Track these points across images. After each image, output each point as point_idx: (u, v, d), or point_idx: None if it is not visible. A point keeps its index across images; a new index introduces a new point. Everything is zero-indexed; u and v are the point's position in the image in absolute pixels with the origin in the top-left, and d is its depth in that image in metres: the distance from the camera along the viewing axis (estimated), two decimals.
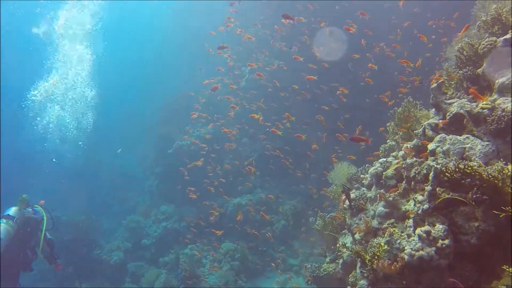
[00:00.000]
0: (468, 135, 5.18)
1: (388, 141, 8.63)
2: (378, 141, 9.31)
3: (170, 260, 15.12)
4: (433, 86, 5.85)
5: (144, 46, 38.31)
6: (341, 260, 7.61)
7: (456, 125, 5.57)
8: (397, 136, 7.80)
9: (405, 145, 6.33)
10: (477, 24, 6.27)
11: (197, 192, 16.12)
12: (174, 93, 23.90)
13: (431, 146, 5.36)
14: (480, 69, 6.09)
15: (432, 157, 5.30)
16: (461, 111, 5.51)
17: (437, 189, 5.07)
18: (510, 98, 5.30)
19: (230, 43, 17.19)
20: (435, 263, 4.76)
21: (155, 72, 35.88)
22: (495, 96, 5.62)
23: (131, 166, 25.94)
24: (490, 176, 4.40)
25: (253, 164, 15.97)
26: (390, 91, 12.13)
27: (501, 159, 4.76)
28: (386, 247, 5.34)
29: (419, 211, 5.10)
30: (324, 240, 8.75)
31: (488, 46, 5.68)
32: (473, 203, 4.75)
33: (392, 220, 6.10)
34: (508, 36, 5.65)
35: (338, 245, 7.95)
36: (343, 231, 8.17)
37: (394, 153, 7.45)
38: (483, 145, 4.98)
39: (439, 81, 5.83)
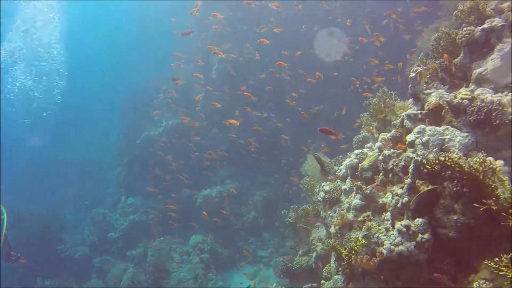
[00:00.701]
0: (447, 126, 5.00)
1: (361, 131, 8.46)
2: (348, 133, 9.18)
3: (138, 254, 14.60)
4: (411, 75, 5.65)
5: (117, 34, 37.19)
6: (314, 254, 7.39)
7: (434, 115, 5.39)
8: (371, 127, 7.62)
9: (381, 136, 6.13)
10: (454, 13, 6.10)
11: (166, 183, 15.66)
12: (145, 81, 23.08)
13: (410, 137, 5.16)
14: (457, 59, 5.94)
15: (411, 149, 5.10)
16: (440, 101, 5.33)
17: (417, 181, 4.88)
18: (488, 89, 5.16)
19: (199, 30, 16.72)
20: (414, 258, 4.57)
21: (129, 61, 34.86)
22: (472, 86, 5.47)
23: (101, 153, 25.06)
24: (471, 168, 4.22)
25: (219, 155, 15.54)
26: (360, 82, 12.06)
27: (482, 151, 4.60)
28: (363, 241, 5.12)
29: (398, 205, 4.90)
30: (296, 233, 8.53)
31: (467, 35, 5.51)
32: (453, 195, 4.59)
33: (368, 213, 5.91)
34: (486, 25, 5.50)
35: (311, 238, 7.74)
36: (316, 224, 7.96)
37: (368, 144, 7.26)
38: (462, 137, 4.81)
39: (418, 71, 5.63)
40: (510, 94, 4.95)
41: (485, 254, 4.49)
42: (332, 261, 6.35)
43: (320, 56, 14.39)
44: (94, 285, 14.19)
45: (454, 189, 4.49)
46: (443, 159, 4.55)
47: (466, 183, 4.43)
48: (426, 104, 5.44)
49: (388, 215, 5.25)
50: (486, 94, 4.93)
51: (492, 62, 5.30)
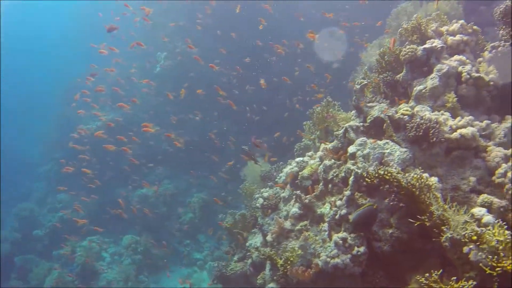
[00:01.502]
0: (387, 140, 5.00)
1: (303, 139, 8.41)
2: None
3: (65, 253, 13.62)
4: (356, 88, 5.63)
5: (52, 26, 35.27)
6: (249, 260, 7.19)
7: (376, 129, 5.39)
8: (313, 136, 7.57)
9: (323, 145, 6.07)
10: (399, 31, 6.19)
11: (100, 181, 14.80)
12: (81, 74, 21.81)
13: (351, 149, 5.11)
14: (399, 75, 6.02)
15: (352, 161, 5.05)
16: (381, 115, 5.34)
17: (356, 193, 4.83)
18: (427, 107, 5.24)
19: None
20: (349, 271, 4.49)
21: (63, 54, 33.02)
22: (412, 103, 5.56)
23: (27, 149, 23.34)
24: (408, 184, 4.21)
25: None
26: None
27: (419, 167, 4.64)
28: (300, 251, 4.99)
29: (337, 216, 4.82)
30: (233, 238, 8.28)
31: (410, 53, 5.59)
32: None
33: (306, 222, 5.80)
34: (427, 45, 5.61)
35: (247, 244, 7.53)
36: (253, 230, 7.77)
37: (309, 153, 7.20)
38: (401, 152, 4.83)
39: (362, 84, 5.62)
40: (446, 113, 5.06)
41: (417, 268, 4.51)
42: (267, 269, 6.18)
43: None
44: (14, 286, 13.06)
45: (391, 203, 4.48)
46: (382, 173, 4.53)
47: (402, 198, 4.43)
48: (369, 117, 5.43)
49: (325, 225, 5.16)
50: (425, 112, 4.99)
51: (431, 81, 5.41)
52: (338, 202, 4.84)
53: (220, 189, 14.82)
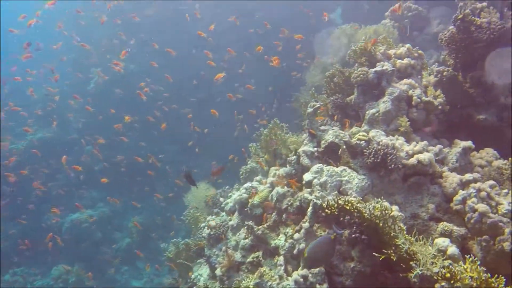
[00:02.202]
0: (344, 167, 4.71)
1: (249, 162, 7.98)
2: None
3: None
4: (309, 111, 5.31)
5: None
6: None
7: (330, 154, 5.10)
8: (261, 159, 7.17)
9: (273, 171, 5.68)
10: (348, 52, 6.01)
11: (27, 204, 13.35)
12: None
13: (307, 176, 4.74)
14: (349, 98, 5.82)
15: (308, 189, 4.69)
16: (336, 140, 5.06)
17: (314, 225, 4.46)
18: (381, 131, 5.04)
19: None
20: None
21: None
22: (365, 127, 5.35)
23: None
24: (372, 215, 3.91)
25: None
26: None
27: (380, 196, 4.36)
28: None
29: (294, 251, 4.39)
30: (176, 268, 7.58)
31: (361, 75, 5.40)
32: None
33: (258, 254, 5.33)
34: (378, 68, 5.46)
35: (192, 276, 6.90)
36: (199, 260, 7.15)
37: (258, 177, 6.78)
38: (359, 179, 4.55)
39: (315, 107, 5.33)
40: (400, 138, 4.88)
41: None
42: None
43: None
44: None
45: (353, 235, 4.15)
46: (342, 203, 4.20)
47: (365, 229, 4.12)
48: (323, 141, 5.13)
49: (281, 259, 4.73)
50: (380, 137, 4.78)
51: (383, 105, 5.23)
52: (296, 235, 4.43)
53: (159, 212, 13.98)
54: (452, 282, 3.26)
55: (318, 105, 5.32)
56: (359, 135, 4.76)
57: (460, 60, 5.65)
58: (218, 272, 5.54)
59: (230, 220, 6.47)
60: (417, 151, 4.66)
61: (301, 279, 4.08)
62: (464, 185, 4.39)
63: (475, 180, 4.35)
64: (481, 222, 3.97)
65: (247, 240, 5.51)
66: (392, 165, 4.48)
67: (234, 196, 6.29)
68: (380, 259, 3.82)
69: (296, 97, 10.59)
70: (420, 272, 3.47)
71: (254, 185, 6.32)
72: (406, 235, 3.78)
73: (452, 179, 4.46)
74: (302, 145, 5.29)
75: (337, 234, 3.98)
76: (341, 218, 4.26)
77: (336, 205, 4.21)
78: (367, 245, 4.14)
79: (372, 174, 4.62)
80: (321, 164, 4.73)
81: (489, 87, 5.45)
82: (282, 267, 4.64)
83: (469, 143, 4.87)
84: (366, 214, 3.98)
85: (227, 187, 7.83)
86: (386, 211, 3.86)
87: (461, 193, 4.28)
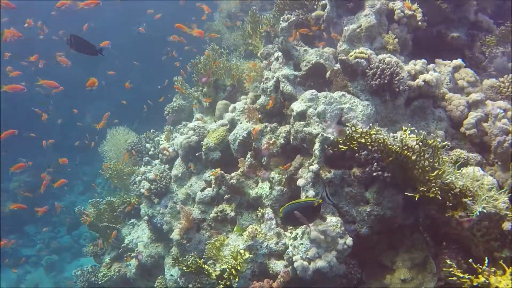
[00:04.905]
0: (343, 92, 3.65)
1: (175, 99, 6.46)
2: None
3: None
4: (282, 25, 4.02)
5: None
6: (133, 261, 5.17)
7: (314, 78, 3.98)
8: (197, 94, 5.73)
9: (239, 104, 4.37)
10: None
11: None
12: None
13: (298, 106, 3.56)
14: (314, 14, 4.68)
15: (302, 122, 3.53)
16: (321, 60, 3.94)
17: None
18: (370, 50, 4.06)
19: None
20: (334, 272, 3.11)
21: None
22: (344, 46, 4.31)
23: None
24: (404, 147, 2.98)
25: None
26: None
27: (383, 123, 3.46)
28: (248, 255, 3.33)
29: (304, 196, 3.28)
30: (99, 233, 5.94)
31: None
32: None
33: (222, 207, 4.13)
34: None
35: (126, 241, 5.41)
36: (130, 221, 5.65)
37: (198, 115, 5.41)
38: (364, 105, 3.56)
39: (290, 20, 4.05)
40: (394, 57, 3.98)
41: (395, 248, 3.45)
42: (176, 274, 4.34)
43: None
44: None
45: (374, 173, 3.20)
46: (358, 135, 3.19)
47: (388, 165, 3.20)
48: (304, 63, 3.96)
49: (268, 212, 3.60)
50: (383, 55, 3.80)
51: (366, 19, 4.22)
52: (301, 182, 3.30)
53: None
54: None
55: (293, 18, 4.06)
56: (356, 52, 3.70)
57: None
58: (174, 235, 4.19)
59: (173, 169, 5.05)
60: (418, 70, 3.82)
61: (322, 236, 3.03)
62: (472, 106, 3.73)
63: (482, 101, 3.72)
64: None
65: (210, 192, 4.23)
66: (401, 87, 3.58)
67: (179, 140, 4.83)
68: (416, 198, 2.99)
69: (208, 25, 9.08)
70: (483, 210, 2.70)
71: (200, 124, 4.95)
72: (451, 168, 2.97)
73: (458, 101, 3.76)
74: (278, 70, 4.04)
75: (324, 201, 2.94)
76: (357, 154, 3.27)
77: (355, 137, 3.18)
78: (388, 184, 3.26)
79: (375, 99, 3.67)
80: (314, 90, 3.59)
81: (459, 2, 4.81)
82: (273, 222, 3.54)
83: (459, 61, 4.20)
84: (395, 147, 3.04)
85: (152, 130, 6.23)
86: (425, 141, 2.97)
87: (473, 115, 3.62)
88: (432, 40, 4.93)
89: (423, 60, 3.93)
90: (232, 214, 4.04)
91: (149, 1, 12.44)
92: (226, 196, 3.98)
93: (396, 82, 3.56)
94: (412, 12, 4.36)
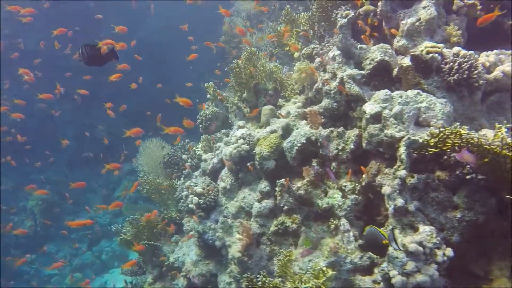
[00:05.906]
0: (418, 91, 3.39)
1: (209, 107, 6.19)
2: None
3: None
4: (342, 22, 3.76)
5: None
6: (181, 281, 4.90)
7: (379, 78, 3.72)
8: (236, 100, 5.47)
9: (292, 107, 4.10)
10: None
11: None
12: None
13: (371, 108, 3.30)
14: (363, 9, 4.41)
15: (377, 124, 3.27)
16: (386, 57, 3.68)
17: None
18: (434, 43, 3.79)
19: None
20: (433, 286, 2.84)
21: None
22: (402, 41, 4.04)
23: None
24: (504, 147, 2.72)
25: None
26: None
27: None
28: (330, 272, 3.06)
29: (391, 210, 3.02)
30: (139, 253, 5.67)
31: None
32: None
33: (282, 220, 3.87)
34: None
35: (171, 259, 5.14)
36: (174, 238, 5.38)
37: (240, 123, 5.13)
38: (442, 103, 3.29)
39: (349, 16, 3.79)
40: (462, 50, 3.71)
41: (485, 255, 3.18)
42: None
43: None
44: None
45: (467, 176, 2.94)
46: (446, 136, 2.92)
47: (481, 167, 2.94)
48: (367, 62, 3.71)
49: (344, 223, 3.34)
50: (456, 47, 3.54)
51: (425, 11, 3.95)
52: (387, 190, 3.04)
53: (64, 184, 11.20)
54: None
55: (352, 14, 3.80)
56: (427, 47, 3.44)
57: None
58: (234, 253, 3.92)
59: (220, 182, 4.79)
60: (493, 62, 3.56)
61: (420, 248, 2.77)
62: None
63: None
64: None
65: (265, 204, 3.97)
66: (480, 81, 3.32)
67: (226, 150, 4.56)
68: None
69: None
70: None
71: (245, 132, 4.69)
72: None
73: None
74: (339, 70, 3.78)
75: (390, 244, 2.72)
76: (445, 156, 3.01)
77: (446, 138, 2.92)
78: (480, 187, 3.00)
79: (452, 96, 3.41)
80: (387, 90, 3.33)
81: None
82: (351, 234, 3.27)
83: None
84: (492, 147, 2.78)
85: (187, 140, 5.96)
86: None
87: None
88: (486, 30, 4.67)
89: (496, 51, 3.67)
90: (294, 226, 3.78)
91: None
92: (285, 207, 3.70)
93: (475, 76, 3.31)
94: (473, 0, 4.11)
